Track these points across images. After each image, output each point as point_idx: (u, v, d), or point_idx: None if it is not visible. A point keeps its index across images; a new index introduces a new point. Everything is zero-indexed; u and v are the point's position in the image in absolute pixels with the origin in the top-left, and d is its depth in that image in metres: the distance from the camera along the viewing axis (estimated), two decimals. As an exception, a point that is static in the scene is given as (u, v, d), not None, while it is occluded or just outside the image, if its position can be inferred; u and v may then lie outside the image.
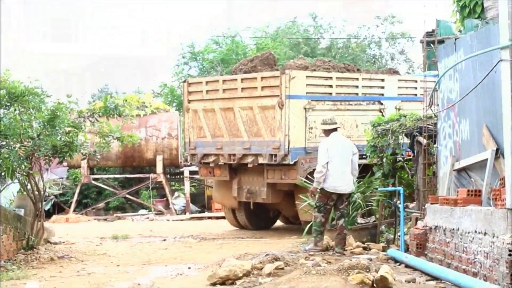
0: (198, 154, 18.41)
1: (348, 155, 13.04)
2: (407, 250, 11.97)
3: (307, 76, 17.04)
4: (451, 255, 9.94)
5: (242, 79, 17.44)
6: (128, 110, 14.53)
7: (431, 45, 12.80)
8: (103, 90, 38.75)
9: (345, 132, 17.20)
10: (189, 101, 18.50)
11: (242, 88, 17.33)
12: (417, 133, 13.38)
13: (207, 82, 18.38)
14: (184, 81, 19.07)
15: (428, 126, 12.78)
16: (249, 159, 17.22)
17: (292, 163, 16.61)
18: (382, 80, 18.64)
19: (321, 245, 12.92)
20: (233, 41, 41.29)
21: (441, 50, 11.82)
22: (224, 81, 17.96)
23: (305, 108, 16.78)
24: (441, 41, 12.45)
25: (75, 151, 13.58)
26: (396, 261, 11.59)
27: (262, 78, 17.01)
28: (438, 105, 11.97)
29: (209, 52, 42.12)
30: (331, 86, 17.47)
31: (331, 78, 17.53)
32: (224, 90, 17.73)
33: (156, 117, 26.15)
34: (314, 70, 17.77)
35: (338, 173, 12.84)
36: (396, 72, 20.84)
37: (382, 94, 18.50)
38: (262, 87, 16.91)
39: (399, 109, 18.49)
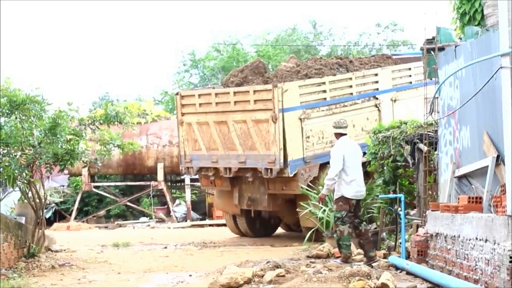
0: (194, 167, 18.28)
1: (360, 158, 12.66)
2: (408, 257, 11.96)
3: (299, 86, 16.87)
4: (452, 262, 9.93)
5: (234, 93, 17.24)
6: (129, 117, 14.53)
7: (432, 52, 12.79)
8: (104, 97, 38.82)
9: None
10: (183, 114, 18.28)
11: (235, 102, 17.11)
12: (417, 140, 13.37)
13: (199, 95, 18.11)
14: (177, 94, 18.79)
15: (428, 133, 12.78)
16: (247, 173, 17.13)
17: (292, 175, 16.55)
18: (376, 74, 18.54)
19: (352, 260, 12.26)
20: (234, 49, 41.35)
21: (441, 57, 11.83)
22: (216, 94, 17.70)
23: (300, 119, 16.66)
24: (441, 48, 12.43)
25: (76, 159, 13.59)
26: (397, 268, 11.58)
27: (254, 91, 16.82)
28: (438, 112, 11.97)
29: (210, 59, 42.20)
30: (324, 91, 17.35)
31: (324, 83, 17.40)
32: (217, 103, 17.50)
33: (157, 125, 26.16)
34: (306, 74, 17.64)
35: (357, 178, 12.38)
36: (389, 58, 20.65)
37: (377, 89, 18.41)
38: (255, 101, 16.72)
39: (395, 100, 18.48)
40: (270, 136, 16.47)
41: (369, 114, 18.07)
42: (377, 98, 18.31)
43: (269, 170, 16.54)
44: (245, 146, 17.06)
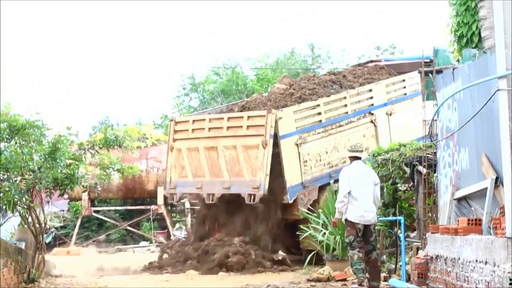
0: (177, 194, 18.13)
1: (371, 184, 12.23)
2: (408, 280, 11.92)
3: (294, 112, 16.82)
4: (453, 284, 9.90)
5: (228, 118, 17.19)
6: (128, 141, 14.53)
7: (430, 75, 12.84)
8: (104, 122, 38.88)
9: (339, 154, 17.10)
10: (174, 140, 18.22)
11: (228, 127, 17.03)
12: (417, 163, 13.38)
13: (193, 121, 18.05)
14: (171, 120, 18.77)
15: (427, 155, 12.79)
16: (230, 200, 16.90)
17: (292, 201, 16.46)
18: (370, 90, 18.52)
19: (367, 283, 11.98)
20: (234, 72, 41.45)
21: (439, 80, 11.87)
22: (210, 120, 17.61)
23: (296, 144, 16.60)
24: (439, 71, 12.49)
25: (76, 183, 13.57)
26: (397, 291, 11.56)
27: (248, 117, 16.77)
28: (437, 134, 11.99)
29: (209, 83, 42.30)
30: (319, 113, 17.32)
31: (318, 105, 17.35)
32: (209, 129, 17.41)
33: (157, 149, 26.13)
34: (300, 96, 17.65)
35: (363, 202, 12.07)
36: (382, 68, 20.64)
37: (372, 104, 18.41)
38: (248, 126, 16.63)
39: (390, 114, 18.50)
40: (258, 162, 16.31)
41: (365, 131, 18.08)
42: (372, 114, 18.33)
43: (252, 196, 16.28)
44: (232, 172, 16.89)
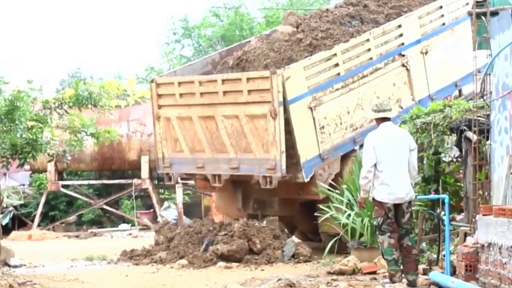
0: (175, 174, 18.21)
1: (404, 151, 12.07)
2: (454, 273, 11.98)
3: (304, 67, 16.48)
4: (509, 279, 9.95)
5: (223, 80, 16.94)
6: (105, 99, 14.52)
7: (482, 17, 12.79)
8: (75, 75, 38.79)
9: (364, 113, 16.81)
10: (160, 106, 18.15)
11: (224, 92, 16.83)
12: (465, 128, 13.35)
13: (180, 83, 17.82)
14: (152, 81, 18.57)
15: (479, 118, 12.76)
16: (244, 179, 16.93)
17: (308, 179, 16.44)
18: (399, 26, 18.20)
19: (400, 277, 11.91)
20: (237, 13, 41.23)
21: (494, 24, 11.82)
22: (201, 82, 17.38)
23: (310, 108, 16.34)
24: (494, 13, 12.44)
25: (40, 150, 13.58)
26: (440, 287, 11.61)
27: (248, 79, 16.48)
28: (491, 92, 11.97)
29: (206, 26, 42.12)
30: (337, 64, 17.00)
31: (335, 55, 17.01)
32: (202, 93, 17.22)
33: (140, 109, 25.98)
34: (311, 43, 17.33)
35: (392, 176, 11.93)
36: None
37: (402, 44, 18.07)
38: (249, 91, 16.40)
39: (426, 52, 18.27)
40: (269, 136, 16.14)
41: (395, 78, 17.83)
42: (403, 55, 18.05)
43: (267, 179, 16.24)
44: (238, 147, 16.77)
